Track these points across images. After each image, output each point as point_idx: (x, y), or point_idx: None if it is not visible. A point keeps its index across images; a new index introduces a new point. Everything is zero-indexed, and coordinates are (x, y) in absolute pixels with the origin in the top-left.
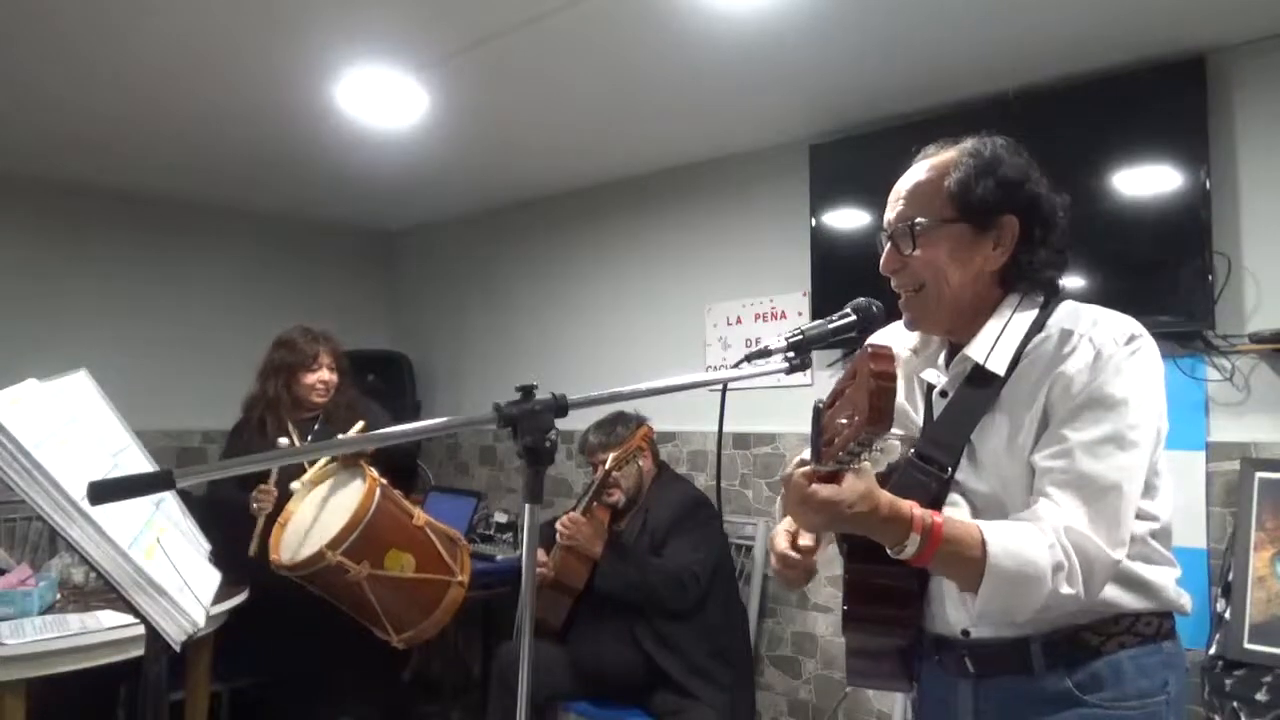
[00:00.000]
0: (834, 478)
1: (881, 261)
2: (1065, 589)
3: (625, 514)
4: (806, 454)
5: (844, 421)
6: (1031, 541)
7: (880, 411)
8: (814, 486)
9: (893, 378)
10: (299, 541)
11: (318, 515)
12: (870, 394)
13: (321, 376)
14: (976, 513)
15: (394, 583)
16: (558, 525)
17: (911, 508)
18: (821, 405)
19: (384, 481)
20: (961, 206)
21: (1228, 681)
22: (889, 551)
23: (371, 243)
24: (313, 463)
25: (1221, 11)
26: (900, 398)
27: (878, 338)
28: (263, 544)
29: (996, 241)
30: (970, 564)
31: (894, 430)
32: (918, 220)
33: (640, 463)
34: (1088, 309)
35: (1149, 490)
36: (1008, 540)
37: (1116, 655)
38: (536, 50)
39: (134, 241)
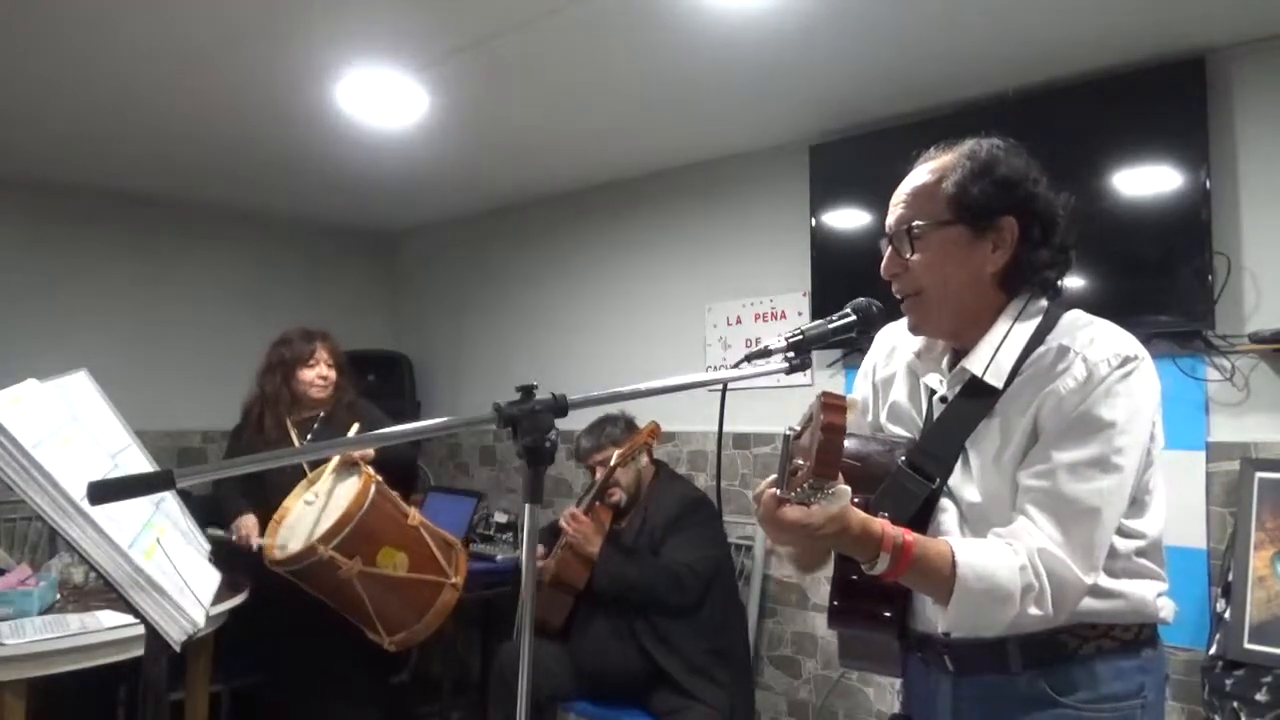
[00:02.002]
0: (803, 501)
1: (882, 265)
2: (1033, 610)
3: (625, 513)
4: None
5: (800, 462)
6: (1003, 563)
7: (826, 463)
8: (783, 509)
9: (840, 430)
10: (293, 537)
11: (313, 512)
12: (818, 446)
13: (320, 372)
14: (964, 519)
15: (386, 581)
16: (562, 519)
17: (883, 527)
18: (791, 435)
19: (379, 479)
20: (958, 208)
21: (1228, 681)
22: (862, 566)
23: (371, 243)
24: (313, 464)
25: (1221, 11)
26: (904, 398)
27: (887, 331)
28: (223, 545)
29: (995, 243)
30: (940, 583)
31: (895, 430)
32: (915, 223)
33: (641, 461)
34: (1088, 324)
35: (1138, 508)
36: (978, 561)
37: (1092, 658)
38: (536, 50)
39: (134, 241)
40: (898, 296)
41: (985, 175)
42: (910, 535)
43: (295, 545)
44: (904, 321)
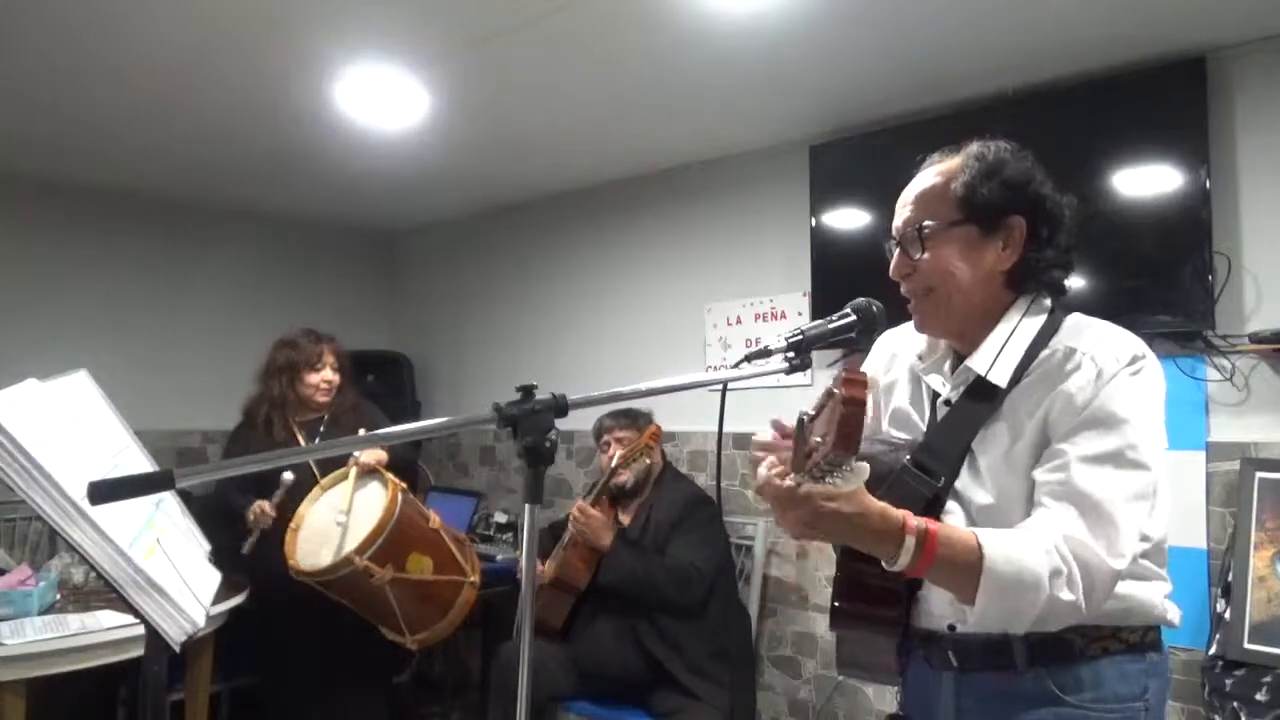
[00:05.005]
0: (817, 481)
1: (891, 267)
2: (1065, 594)
3: (629, 505)
4: (765, 435)
5: (818, 440)
6: (1029, 548)
7: (847, 438)
8: (794, 484)
9: (861, 404)
10: (320, 547)
11: (339, 520)
12: (839, 420)
13: (325, 376)
14: (972, 523)
15: (414, 585)
16: (572, 511)
17: (905, 516)
18: (806, 417)
19: (404, 485)
20: (968, 208)
21: (1228, 681)
22: (883, 564)
23: (371, 243)
24: (321, 469)
25: (1221, 11)
26: (905, 402)
27: (887, 338)
28: (256, 546)
29: (1005, 242)
30: (966, 570)
31: (897, 434)
32: (925, 224)
33: (648, 459)
34: (1093, 325)
35: None
36: (1005, 546)
37: (1098, 660)
38: (537, 50)
39: (134, 242)
40: (906, 297)
41: (994, 175)
42: (933, 523)
43: (328, 556)
44: (904, 327)
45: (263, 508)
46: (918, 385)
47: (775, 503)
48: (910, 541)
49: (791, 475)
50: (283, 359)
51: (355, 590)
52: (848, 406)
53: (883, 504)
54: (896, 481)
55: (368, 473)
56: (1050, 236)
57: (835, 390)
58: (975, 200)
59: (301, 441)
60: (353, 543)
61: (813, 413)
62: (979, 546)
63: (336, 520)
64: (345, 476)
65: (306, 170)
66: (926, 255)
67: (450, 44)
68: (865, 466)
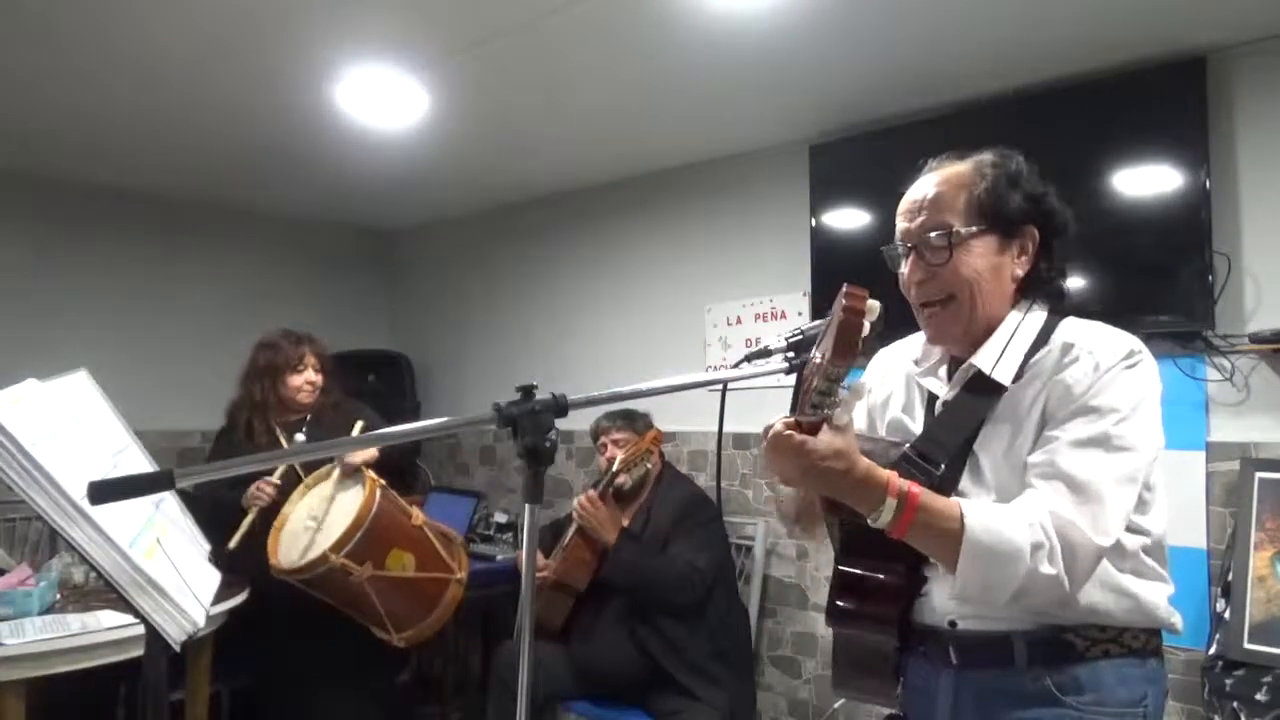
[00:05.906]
0: (814, 431)
1: (905, 274)
2: (1046, 568)
3: (628, 506)
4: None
5: (816, 363)
6: (1011, 520)
7: (845, 343)
8: (789, 431)
9: (860, 314)
10: (299, 545)
11: (318, 518)
12: (838, 326)
13: (308, 378)
14: None
15: (396, 582)
16: (580, 500)
17: (890, 476)
18: (806, 361)
19: (383, 483)
20: (992, 216)
21: (1228, 681)
22: (868, 520)
23: (371, 243)
24: (306, 468)
25: (1221, 11)
26: (899, 411)
27: (879, 357)
28: (245, 539)
29: (1020, 251)
30: (947, 536)
31: (890, 439)
32: (955, 229)
33: (649, 465)
34: (1089, 324)
35: (1141, 505)
36: (987, 517)
37: (1099, 662)
38: (536, 50)
39: (134, 241)
40: (921, 303)
41: (1016, 185)
42: (917, 487)
43: (305, 554)
44: (896, 345)
45: (268, 480)
46: (911, 394)
47: (772, 448)
48: (891, 502)
49: (794, 416)
50: (264, 361)
51: (336, 588)
52: (847, 314)
53: (870, 464)
54: (895, 469)
55: (351, 471)
56: (1058, 248)
57: (836, 306)
58: (999, 208)
59: (284, 443)
60: (328, 541)
61: (809, 356)
62: (961, 515)
63: (314, 518)
64: (329, 475)
65: (306, 170)
66: (950, 262)
67: (450, 44)
68: (863, 384)
